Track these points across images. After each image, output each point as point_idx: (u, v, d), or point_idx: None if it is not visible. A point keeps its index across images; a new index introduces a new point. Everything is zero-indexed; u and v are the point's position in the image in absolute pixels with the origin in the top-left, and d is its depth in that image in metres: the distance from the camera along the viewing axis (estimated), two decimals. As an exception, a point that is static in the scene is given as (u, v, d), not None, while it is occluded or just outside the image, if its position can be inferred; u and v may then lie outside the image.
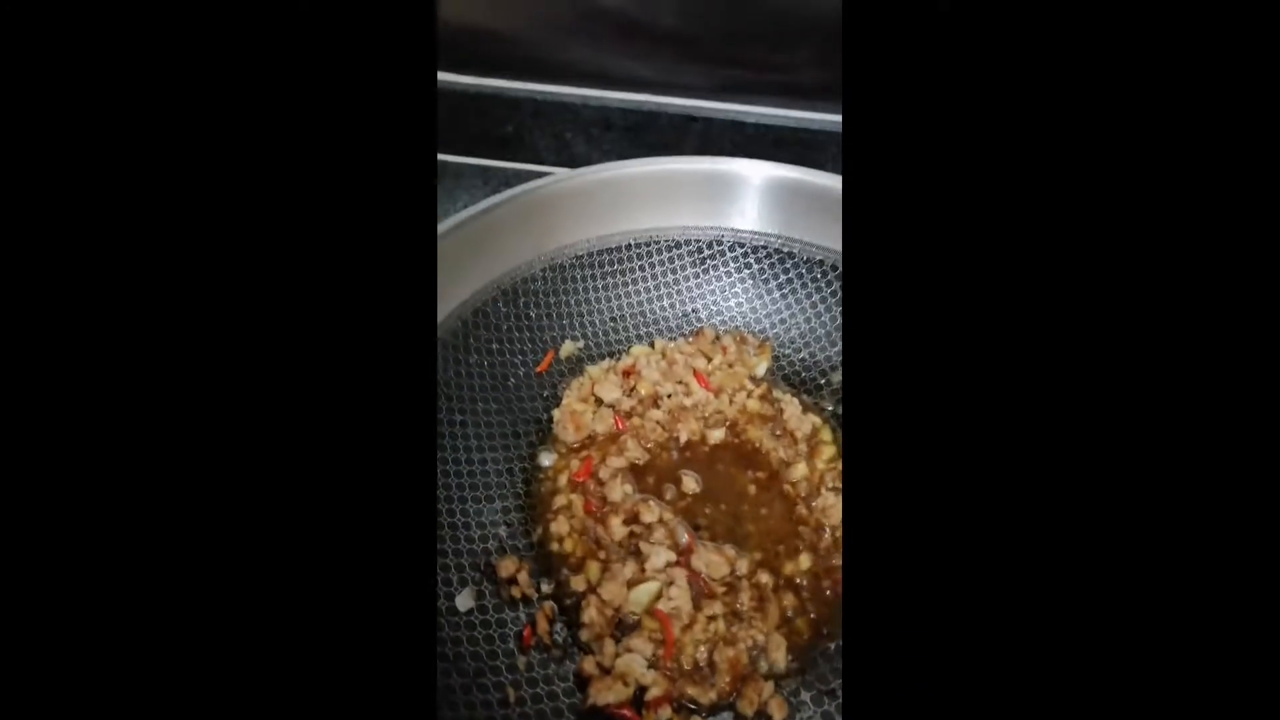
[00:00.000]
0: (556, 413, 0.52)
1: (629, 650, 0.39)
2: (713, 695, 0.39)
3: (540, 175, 0.55)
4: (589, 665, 0.39)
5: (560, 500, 0.47)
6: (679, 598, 0.41)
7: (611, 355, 0.56)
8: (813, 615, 0.43)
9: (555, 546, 0.45)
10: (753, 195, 0.56)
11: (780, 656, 0.40)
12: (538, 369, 0.53)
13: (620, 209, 0.55)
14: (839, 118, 0.71)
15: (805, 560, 0.45)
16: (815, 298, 0.56)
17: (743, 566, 0.44)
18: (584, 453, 0.50)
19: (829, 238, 0.55)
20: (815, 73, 0.69)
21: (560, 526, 0.46)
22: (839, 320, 0.55)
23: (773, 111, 0.72)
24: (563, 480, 0.48)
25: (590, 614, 0.41)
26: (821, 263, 0.56)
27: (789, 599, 0.43)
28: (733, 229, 0.57)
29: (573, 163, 0.75)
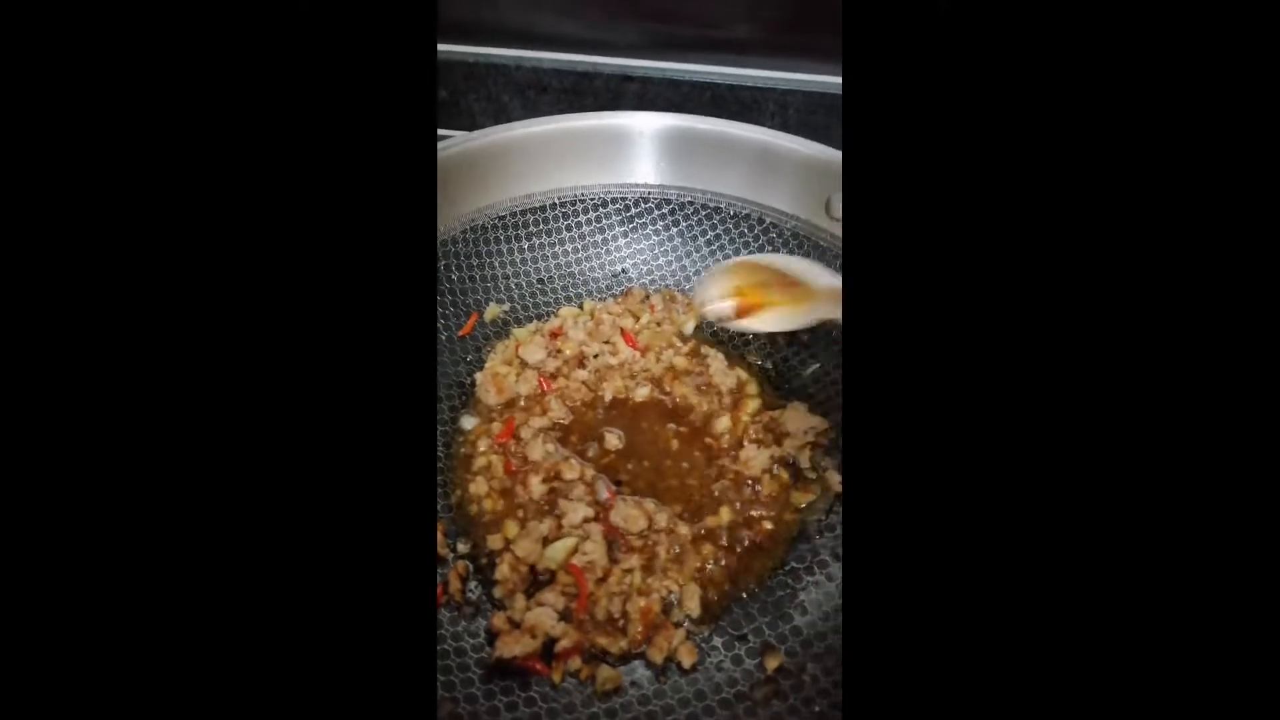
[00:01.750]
0: (479, 375, 0.51)
1: (540, 604, 0.39)
2: (623, 644, 0.39)
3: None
4: (499, 621, 0.39)
5: (480, 461, 0.47)
6: (594, 552, 0.41)
7: (539, 318, 0.55)
8: (726, 565, 0.43)
9: (474, 508, 0.45)
10: (672, 149, 0.55)
11: (695, 605, 0.40)
12: (460, 333, 0.53)
13: (540, 168, 0.55)
14: (774, 74, 0.70)
15: (726, 513, 0.45)
16: (744, 252, 0.56)
17: (661, 520, 0.43)
18: (506, 414, 0.49)
19: (750, 190, 0.55)
20: (751, 29, 0.68)
21: (479, 487, 0.45)
22: (765, 274, 0.55)
23: (709, 69, 0.71)
24: (483, 444, 0.48)
25: (504, 570, 0.41)
26: (748, 216, 0.55)
27: (707, 549, 0.43)
28: (659, 184, 0.57)
29: (509, 127, 0.74)
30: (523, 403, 0.50)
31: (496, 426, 0.49)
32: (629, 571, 0.41)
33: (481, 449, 0.48)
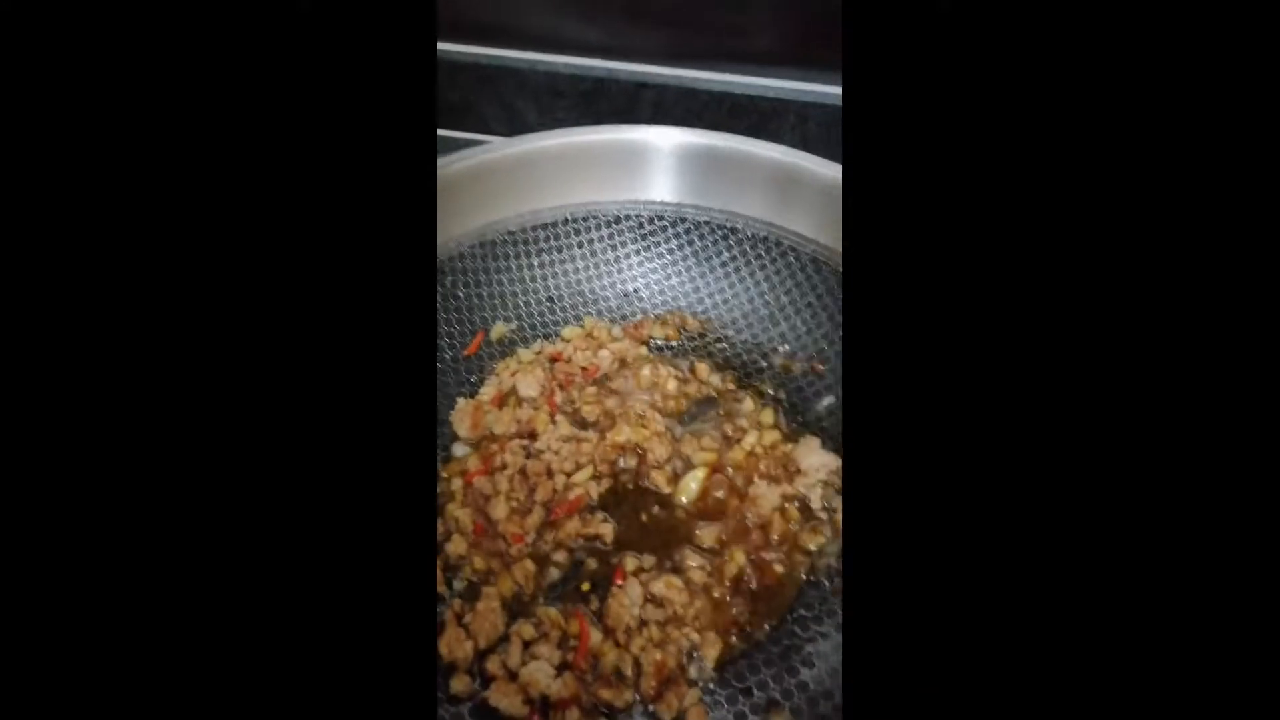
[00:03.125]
0: (461, 402, 0.49)
1: (534, 658, 0.38)
2: (628, 697, 0.38)
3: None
4: (493, 665, 0.38)
5: (452, 510, 0.44)
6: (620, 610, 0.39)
7: (546, 336, 0.54)
8: (737, 611, 0.41)
9: (456, 559, 0.43)
10: (689, 167, 0.53)
11: (713, 654, 0.39)
12: (465, 352, 0.51)
13: (553, 182, 0.53)
14: (795, 84, 0.67)
15: (739, 556, 0.43)
16: (759, 275, 0.54)
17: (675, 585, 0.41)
18: (483, 449, 0.47)
19: (771, 212, 0.52)
20: (769, 39, 0.65)
21: (456, 546, 0.42)
22: (781, 300, 0.53)
23: (727, 78, 0.69)
24: (456, 485, 0.45)
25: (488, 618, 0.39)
26: (765, 239, 0.53)
27: (719, 592, 0.41)
28: (676, 203, 0.55)
29: (522, 132, 0.72)
30: (494, 446, 0.47)
31: (474, 462, 0.46)
32: (646, 624, 0.39)
33: (455, 488, 0.45)
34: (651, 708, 0.37)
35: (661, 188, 0.54)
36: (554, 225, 0.54)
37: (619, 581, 0.41)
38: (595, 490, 0.45)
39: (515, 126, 0.73)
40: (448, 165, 0.49)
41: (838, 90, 0.66)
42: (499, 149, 0.51)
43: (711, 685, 0.38)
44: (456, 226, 0.51)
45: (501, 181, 0.52)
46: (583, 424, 0.48)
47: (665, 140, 0.53)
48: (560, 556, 0.42)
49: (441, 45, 0.70)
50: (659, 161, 0.53)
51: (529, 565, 0.41)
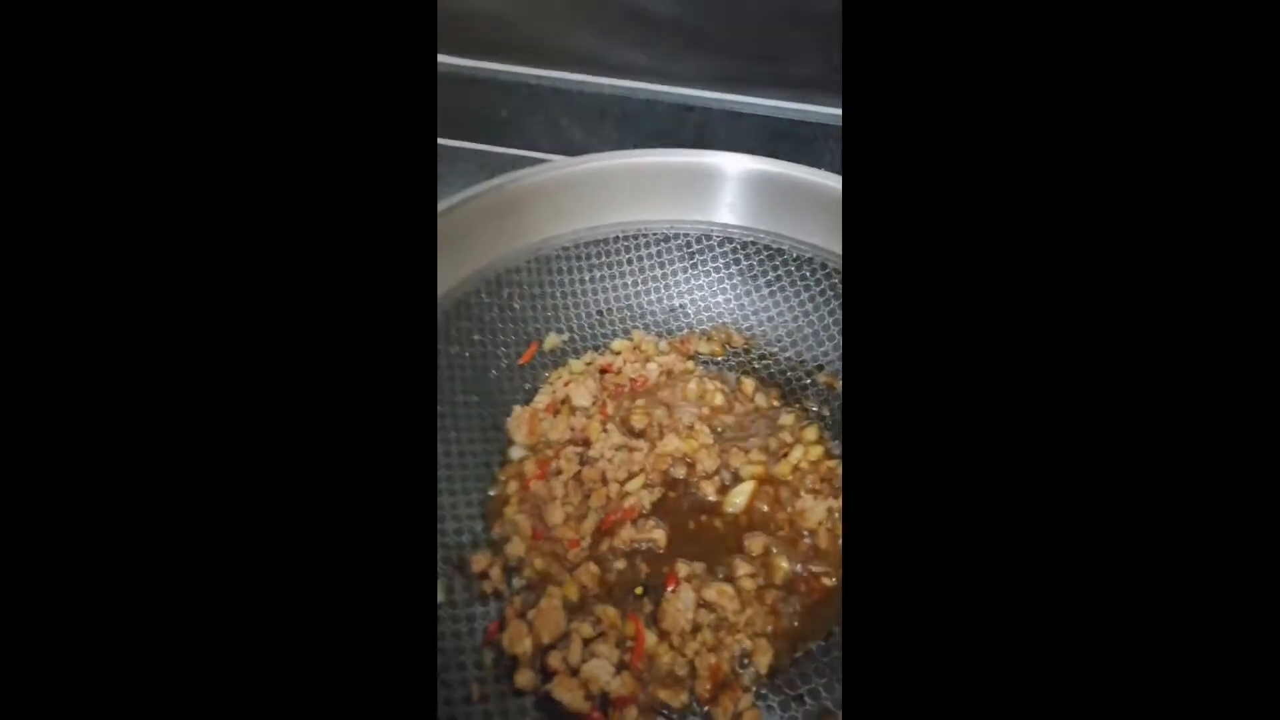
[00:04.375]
0: (517, 409, 0.51)
1: (594, 656, 0.39)
2: (684, 698, 0.39)
3: (535, 161, 0.54)
4: (555, 661, 0.39)
5: (510, 514, 0.45)
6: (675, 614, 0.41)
7: (596, 348, 0.55)
8: (788, 620, 0.42)
9: (516, 561, 0.44)
10: (742, 190, 0.55)
11: (765, 661, 0.40)
12: (520, 361, 0.53)
13: (607, 200, 0.55)
14: (836, 110, 0.69)
15: (783, 563, 0.44)
16: (804, 295, 0.56)
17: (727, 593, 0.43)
18: (537, 455, 0.49)
19: (818, 235, 0.54)
20: (813, 65, 0.67)
21: (515, 548, 0.44)
22: (826, 320, 0.55)
23: (770, 103, 0.71)
24: (512, 488, 0.47)
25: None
26: (810, 260, 0.55)
27: (773, 601, 0.43)
28: (722, 224, 0.56)
29: (568, 150, 0.74)
30: (550, 452, 0.49)
31: (530, 466, 0.48)
32: (700, 629, 0.41)
33: (511, 491, 0.47)
34: (707, 709, 0.39)
35: (710, 209, 0.56)
36: (606, 242, 0.56)
37: (672, 586, 0.42)
38: (648, 499, 0.46)
39: (561, 144, 0.75)
40: (509, 183, 0.51)
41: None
42: (559, 169, 0.53)
43: (764, 691, 0.40)
44: (515, 241, 0.53)
45: (559, 200, 0.54)
46: (632, 433, 0.50)
47: (719, 164, 0.55)
48: (616, 561, 0.44)
49: (492, 64, 0.72)
50: (711, 184, 0.55)
51: (593, 568, 0.43)
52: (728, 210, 0.56)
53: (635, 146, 0.58)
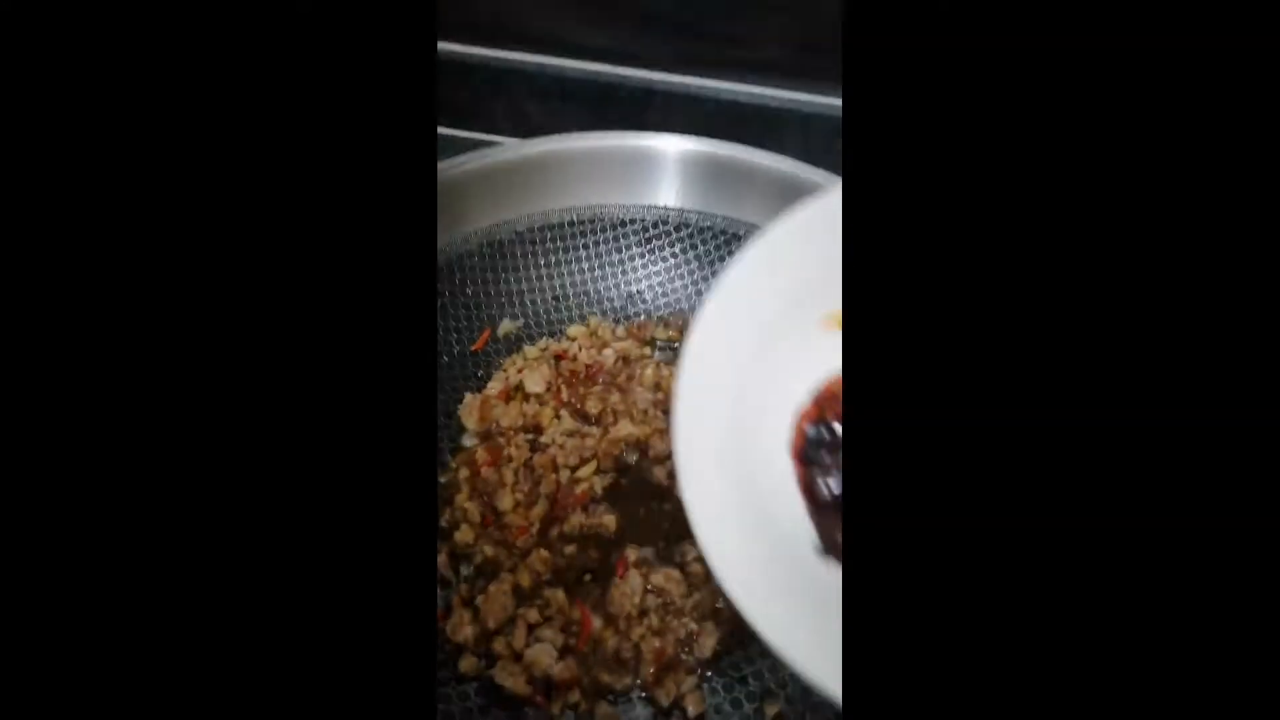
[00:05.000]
0: (469, 396, 0.50)
1: (538, 640, 0.39)
2: (628, 680, 0.39)
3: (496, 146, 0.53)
4: (499, 645, 0.39)
5: (460, 501, 0.45)
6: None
7: (552, 335, 0.55)
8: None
9: (464, 547, 0.44)
10: (694, 173, 0.55)
11: (710, 644, 0.40)
12: (473, 347, 0.52)
13: (561, 184, 0.54)
14: (798, 94, 0.69)
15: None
16: (760, 281, 0.55)
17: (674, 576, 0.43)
18: (487, 443, 0.48)
19: (773, 219, 0.54)
20: (778, 49, 0.67)
21: (464, 535, 0.44)
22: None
23: (734, 86, 0.70)
24: (464, 475, 0.47)
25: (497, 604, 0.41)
26: (767, 246, 0.55)
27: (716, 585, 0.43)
28: (679, 208, 0.56)
29: (530, 134, 0.73)
30: (501, 439, 0.48)
31: (482, 454, 0.48)
32: (646, 613, 0.41)
33: (462, 477, 0.47)
34: (649, 693, 0.39)
35: (666, 193, 0.56)
36: (561, 227, 0.55)
37: (621, 573, 0.42)
38: (600, 484, 0.46)
39: (523, 128, 0.75)
40: (458, 165, 0.51)
41: (839, 100, 0.68)
42: (510, 151, 0.53)
43: (709, 673, 0.40)
44: (466, 225, 0.52)
45: (511, 183, 0.53)
46: (587, 419, 0.50)
47: (671, 147, 0.54)
48: (565, 547, 0.44)
49: (452, 46, 0.71)
50: (665, 168, 0.55)
51: (544, 554, 0.43)
52: (680, 194, 0.55)
53: (598, 130, 0.57)
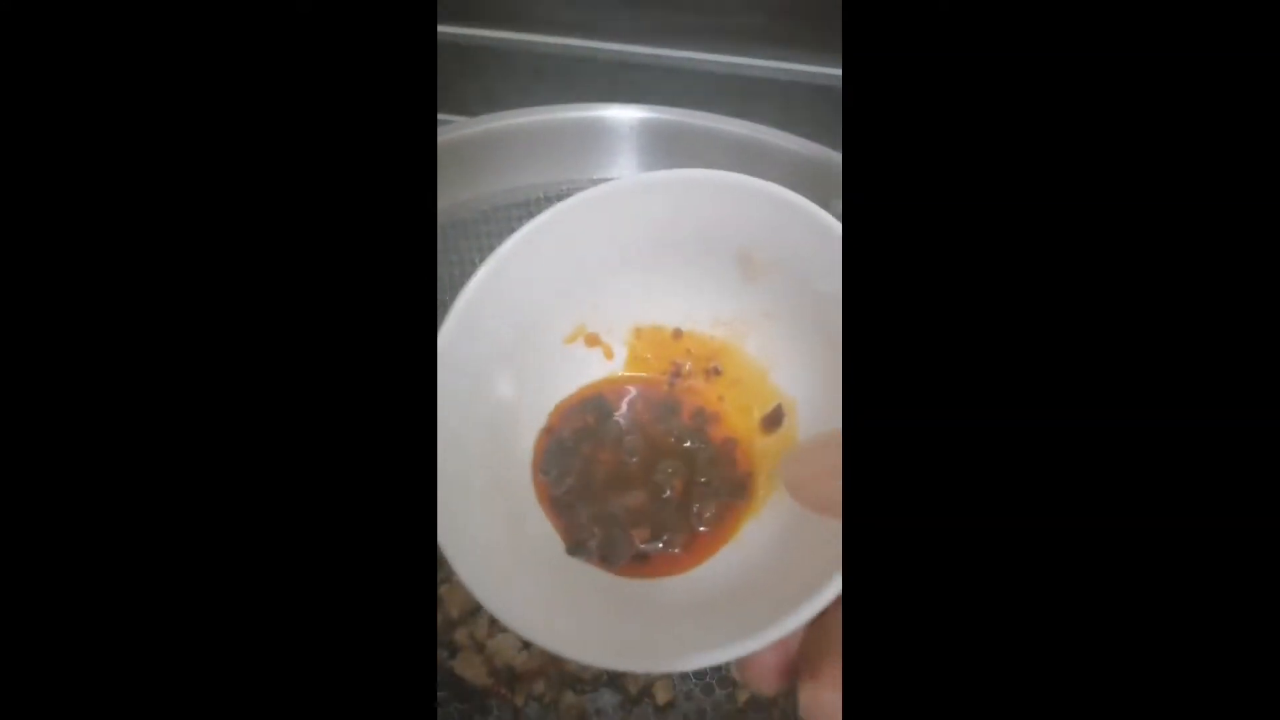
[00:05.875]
0: None
1: (502, 630, 0.38)
2: (596, 669, 0.38)
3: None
4: (461, 636, 0.38)
5: None
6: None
7: (521, 316, 0.54)
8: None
9: None
10: (656, 144, 0.53)
11: None
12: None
13: (523, 161, 0.53)
14: (777, 63, 0.67)
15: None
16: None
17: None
18: None
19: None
20: (753, 17, 0.65)
21: None
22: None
23: (710, 57, 0.68)
24: None
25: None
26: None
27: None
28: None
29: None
30: None
31: None
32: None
33: None
34: (617, 681, 0.38)
35: (626, 165, 0.54)
36: (525, 204, 0.54)
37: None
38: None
39: (494, 107, 0.73)
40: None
41: (819, 69, 0.66)
42: (466, 127, 0.51)
43: (677, 659, 0.39)
44: (428, 206, 0.51)
45: (472, 160, 0.52)
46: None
47: (627, 117, 0.53)
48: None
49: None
50: (623, 139, 0.53)
51: None
52: (638, 166, 0.54)
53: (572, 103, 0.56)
